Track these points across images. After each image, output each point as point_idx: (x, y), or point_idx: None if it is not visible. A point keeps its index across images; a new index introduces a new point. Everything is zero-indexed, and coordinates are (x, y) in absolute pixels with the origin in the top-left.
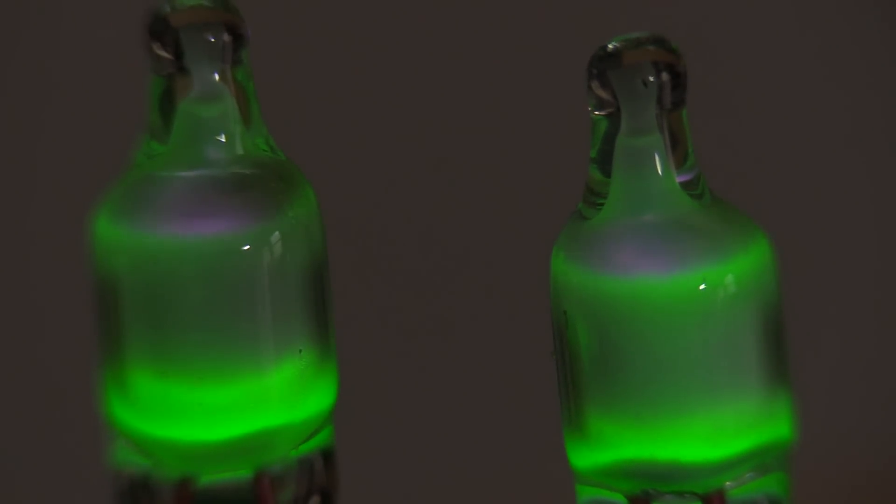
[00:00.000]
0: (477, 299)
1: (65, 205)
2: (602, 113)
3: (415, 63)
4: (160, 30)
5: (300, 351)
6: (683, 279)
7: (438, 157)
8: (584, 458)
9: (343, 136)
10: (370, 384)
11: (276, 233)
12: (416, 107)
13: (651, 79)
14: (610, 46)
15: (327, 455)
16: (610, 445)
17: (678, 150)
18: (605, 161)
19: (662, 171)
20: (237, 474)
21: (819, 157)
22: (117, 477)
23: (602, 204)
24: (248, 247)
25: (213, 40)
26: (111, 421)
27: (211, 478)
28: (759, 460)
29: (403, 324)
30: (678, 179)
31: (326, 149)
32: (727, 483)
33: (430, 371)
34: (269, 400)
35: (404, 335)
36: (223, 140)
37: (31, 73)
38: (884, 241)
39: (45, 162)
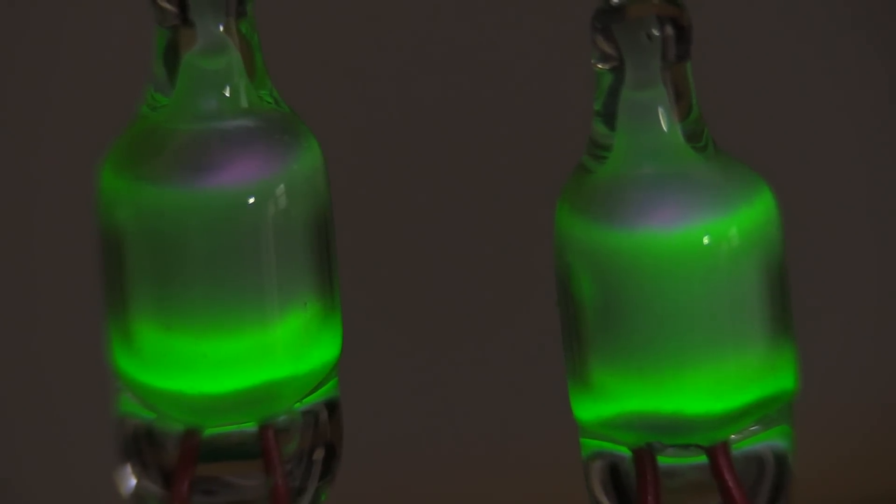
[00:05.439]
0: (481, 251)
1: (71, 157)
2: (606, 66)
3: (419, 14)
4: None
5: (305, 303)
6: (687, 232)
7: (442, 109)
8: (588, 410)
9: (347, 89)
10: (374, 336)
11: (281, 185)
12: (421, 58)
13: (655, 32)
14: (614, 0)
15: (332, 407)
16: (613, 398)
17: (682, 103)
18: (609, 114)
19: (666, 125)
20: (242, 426)
21: (822, 107)
22: (122, 428)
23: (606, 157)
24: (252, 199)
25: None
26: (117, 373)
27: (216, 430)
28: (762, 413)
29: (408, 276)
30: (681, 132)
31: (331, 101)
32: (731, 436)
33: (434, 322)
34: (273, 352)
35: (408, 287)
36: (227, 93)
37: (38, 25)
38: (887, 191)
39: (51, 114)
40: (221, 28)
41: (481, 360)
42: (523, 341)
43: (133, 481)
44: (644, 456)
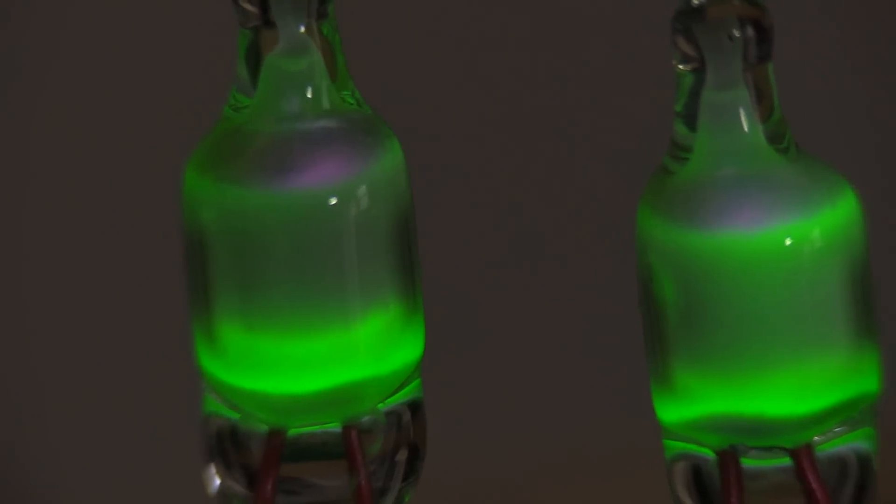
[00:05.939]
0: (564, 253)
1: (159, 159)
2: (687, 67)
3: (500, 15)
4: None
5: (387, 304)
6: (769, 234)
7: (524, 111)
8: (672, 412)
9: (429, 89)
10: (458, 337)
11: (363, 186)
12: (503, 60)
13: (736, 33)
14: (695, 1)
15: (415, 408)
16: (696, 400)
17: (764, 104)
18: (690, 116)
19: (748, 126)
20: (326, 427)
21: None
22: (207, 428)
23: (687, 158)
24: (334, 200)
25: None
26: (202, 373)
27: (299, 430)
28: (846, 415)
29: (490, 277)
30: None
31: (413, 102)
32: (815, 437)
33: (518, 324)
34: (356, 353)
35: (491, 288)
36: (309, 94)
37: (127, 27)
38: None
39: (142, 115)
40: (303, 29)
41: (564, 361)
42: (606, 343)
43: (217, 481)
44: (728, 458)
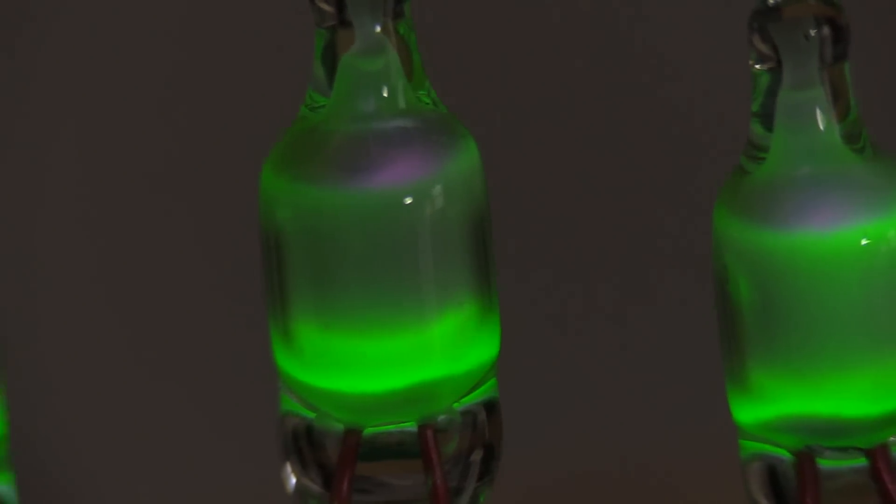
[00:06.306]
0: (639, 253)
1: (239, 158)
2: (763, 67)
3: (576, 14)
4: None
5: (461, 303)
6: (845, 234)
7: (599, 111)
8: (747, 413)
9: (505, 89)
10: (533, 336)
11: (438, 186)
12: (578, 59)
13: (812, 33)
14: (771, 0)
15: (491, 407)
16: (772, 400)
17: (840, 104)
18: (766, 115)
19: (824, 126)
20: (402, 426)
21: None
22: (283, 427)
23: (763, 158)
24: (409, 199)
25: None
26: (279, 372)
27: (375, 429)
28: None
29: (565, 277)
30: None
31: (489, 102)
32: (891, 438)
33: (592, 325)
34: (431, 352)
35: (566, 288)
36: (385, 93)
37: (207, 28)
38: None
39: (221, 115)
40: (379, 29)
41: (638, 361)
42: (681, 343)
43: (294, 480)
44: (804, 459)
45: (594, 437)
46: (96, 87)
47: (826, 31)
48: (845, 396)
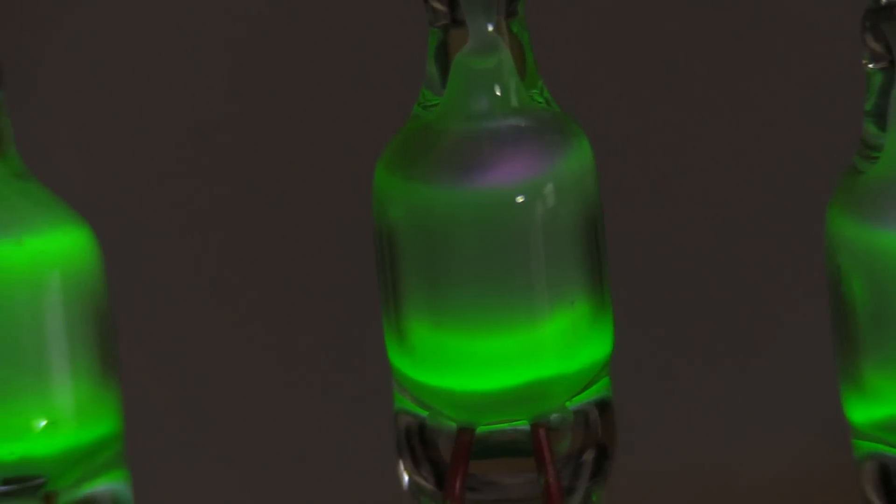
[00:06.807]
0: (751, 253)
1: (353, 157)
2: (877, 66)
3: (690, 14)
4: None
5: (572, 302)
6: None
7: (711, 111)
8: (861, 412)
9: (616, 88)
10: (645, 335)
11: (550, 184)
12: (691, 58)
13: None
14: (884, 0)
15: (603, 407)
16: (886, 400)
17: None
18: (880, 115)
19: None
20: (514, 424)
21: None
22: (396, 425)
23: (877, 158)
24: (521, 198)
25: None
26: (392, 370)
27: (488, 428)
28: None
29: (677, 278)
30: None
31: (600, 101)
32: None
33: (703, 324)
34: (542, 350)
35: (678, 289)
36: (498, 92)
37: (321, 25)
38: None
39: (336, 115)
40: (492, 27)
41: (751, 361)
42: (794, 343)
43: (406, 478)
44: None
45: (705, 435)
46: (214, 83)
47: None
48: None
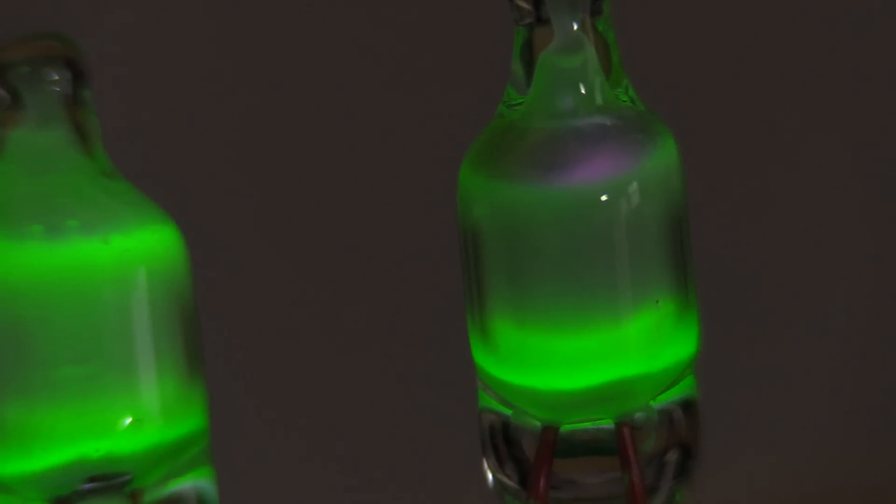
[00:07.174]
0: (839, 250)
1: (438, 156)
2: None
3: (780, 13)
4: None
5: (657, 301)
6: None
7: (803, 109)
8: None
9: (703, 87)
10: (728, 335)
11: (634, 183)
12: (779, 56)
13: None
14: None
15: (688, 406)
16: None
17: None
18: None
19: None
20: (598, 423)
21: None
22: (480, 423)
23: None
24: (605, 197)
25: None
26: (477, 368)
27: (572, 426)
28: None
29: (765, 275)
30: None
31: (687, 99)
32: None
33: (796, 323)
34: (626, 350)
35: (764, 287)
36: (583, 91)
37: (407, 25)
38: None
39: (422, 114)
40: (577, 26)
41: (844, 363)
42: (869, 342)
43: (490, 476)
44: None
45: (800, 437)
46: (316, 80)
47: None
48: None
